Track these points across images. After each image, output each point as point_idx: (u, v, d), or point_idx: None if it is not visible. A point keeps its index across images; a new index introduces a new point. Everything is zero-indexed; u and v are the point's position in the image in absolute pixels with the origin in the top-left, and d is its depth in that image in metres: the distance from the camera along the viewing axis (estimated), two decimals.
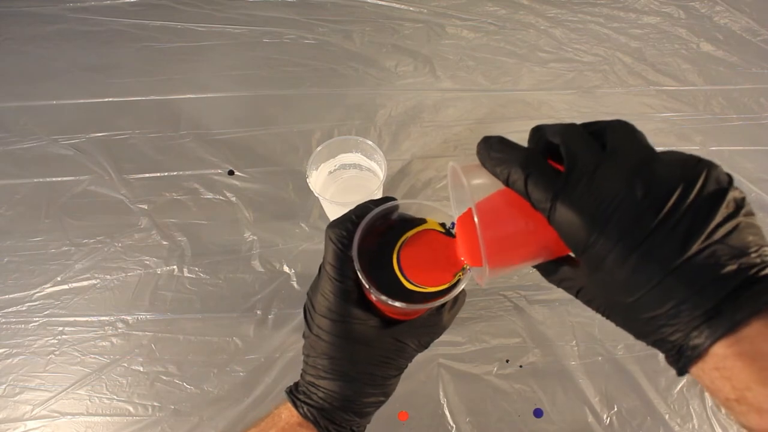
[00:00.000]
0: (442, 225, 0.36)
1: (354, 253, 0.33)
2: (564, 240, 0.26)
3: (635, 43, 0.83)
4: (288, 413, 0.36)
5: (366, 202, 0.36)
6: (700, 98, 0.78)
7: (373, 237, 0.35)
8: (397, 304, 0.32)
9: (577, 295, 0.30)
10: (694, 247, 0.23)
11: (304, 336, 0.37)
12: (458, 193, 0.35)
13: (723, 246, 0.23)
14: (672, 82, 0.79)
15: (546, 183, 0.26)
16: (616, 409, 0.57)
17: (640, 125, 0.73)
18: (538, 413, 0.57)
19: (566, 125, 0.28)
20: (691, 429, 0.56)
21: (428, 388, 0.58)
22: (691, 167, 0.24)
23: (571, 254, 0.28)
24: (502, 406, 0.57)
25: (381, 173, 0.57)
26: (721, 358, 0.23)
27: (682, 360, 0.25)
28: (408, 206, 0.36)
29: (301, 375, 0.37)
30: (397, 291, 0.33)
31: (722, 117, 0.76)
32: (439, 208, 0.36)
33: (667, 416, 0.57)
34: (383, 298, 0.33)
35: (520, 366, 0.59)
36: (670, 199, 0.23)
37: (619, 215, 0.24)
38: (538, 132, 0.30)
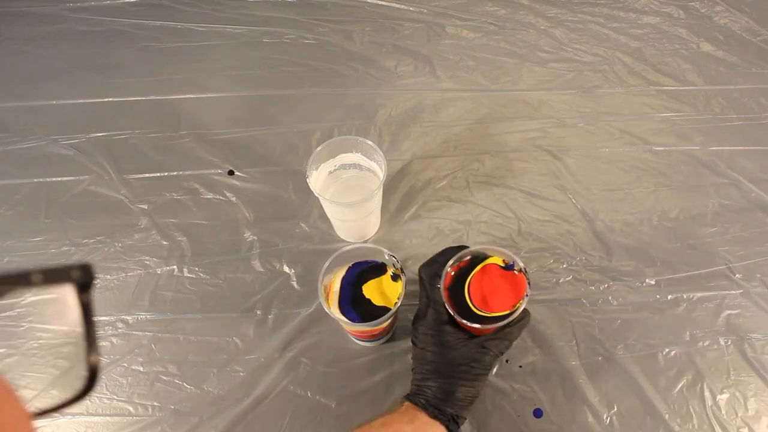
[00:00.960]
0: (504, 262, 0.50)
1: (442, 287, 0.48)
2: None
3: (635, 43, 0.83)
4: (406, 406, 0.48)
5: (448, 249, 0.52)
6: (700, 98, 0.78)
7: (454, 273, 0.50)
8: (475, 325, 0.46)
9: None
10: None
11: (412, 356, 0.52)
12: None
13: None
14: (672, 82, 0.79)
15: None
16: (616, 409, 0.57)
17: (640, 125, 0.74)
18: (538, 413, 0.57)
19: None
20: (690, 429, 0.56)
21: None
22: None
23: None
24: (502, 406, 0.57)
25: (381, 173, 0.57)
26: None
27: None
28: (478, 250, 0.50)
29: (411, 381, 0.50)
30: (473, 314, 0.47)
31: (722, 117, 0.76)
32: (502, 250, 0.49)
33: (666, 416, 0.57)
34: (464, 321, 0.46)
35: (520, 366, 0.59)
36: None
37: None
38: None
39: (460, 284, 0.49)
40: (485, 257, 0.50)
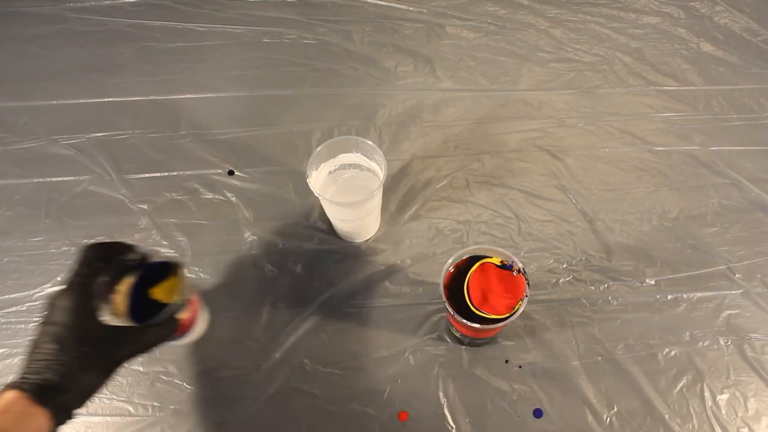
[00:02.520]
0: (502, 262, 0.51)
1: (441, 285, 0.50)
2: None
3: (635, 43, 0.83)
4: (8, 394, 0.40)
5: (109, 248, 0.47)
6: (700, 98, 0.78)
7: (455, 273, 0.51)
8: (475, 325, 0.47)
9: None
10: None
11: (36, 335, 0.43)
12: None
13: None
14: (672, 82, 0.79)
15: None
16: (616, 409, 0.57)
17: (640, 125, 0.74)
18: (538, 413, 0.57)
19: None
20: (690, 429, 0.56)
21: (428, 388, 0.58)
22: None
23: None
24: (502, 406, 0.57)
25: (381, 173, 0.57)
26: None
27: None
28: (476, 249, 0.51)
29: (25, 364, 0.42)
30: (473, 314, 0.49)
31: (722, 117, 0.76)
32: (501, 251, 0.50)
33: (666, 416, 0.57)
34: (463, 321, 0.47)
35: (520, 366, 0.59)
36: None
37: None
38: None
39: (459, 283, 0.50)
40: (483, 258, 0.51)
